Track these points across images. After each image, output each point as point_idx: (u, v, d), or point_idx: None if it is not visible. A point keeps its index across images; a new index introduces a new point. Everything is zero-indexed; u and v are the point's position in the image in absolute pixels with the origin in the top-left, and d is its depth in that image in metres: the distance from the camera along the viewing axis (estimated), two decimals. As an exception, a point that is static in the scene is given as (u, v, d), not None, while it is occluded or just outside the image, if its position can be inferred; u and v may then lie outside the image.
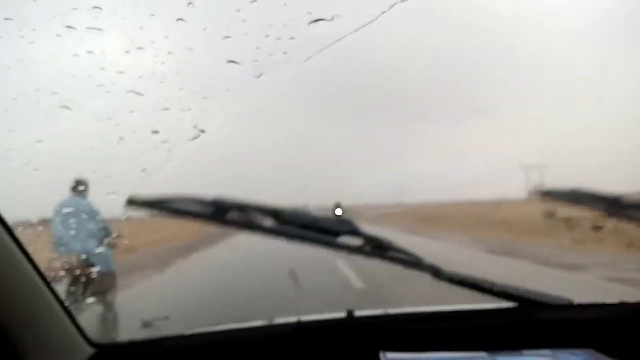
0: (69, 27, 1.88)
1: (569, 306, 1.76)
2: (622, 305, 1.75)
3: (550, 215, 17.88)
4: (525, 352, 1.44)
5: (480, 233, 21.36)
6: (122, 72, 2.07)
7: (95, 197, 2.46)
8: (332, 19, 2.00)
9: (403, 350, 1.44)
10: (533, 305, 1.72)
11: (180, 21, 1.86)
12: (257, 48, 2.00)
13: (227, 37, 1.98)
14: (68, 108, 2.05)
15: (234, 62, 2.00)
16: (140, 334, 1.62)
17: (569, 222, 15.86)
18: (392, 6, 1.78)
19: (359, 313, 1.65)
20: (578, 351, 1.44)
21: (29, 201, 2.49)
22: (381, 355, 1.42)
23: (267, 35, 1.95)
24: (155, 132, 2.18)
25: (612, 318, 1.73)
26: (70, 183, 4.15)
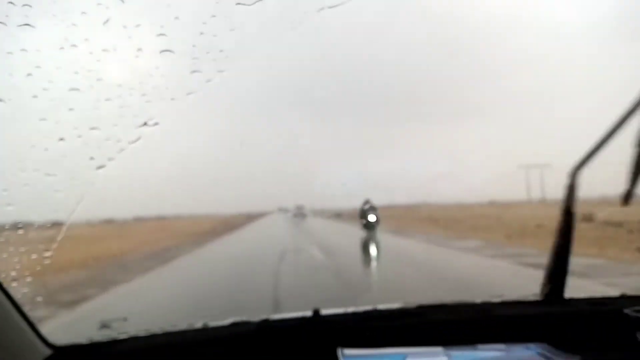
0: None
1: (524, 302, 1.84)
2: (577, 301, 1.82)
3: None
4: (480, 346, 1.48)
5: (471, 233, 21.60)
6: (59, 68, 2.08)
7: (40, 196, 2.42)
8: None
9: (363, 346, 1.48)
10: (489, 302, 1.79)
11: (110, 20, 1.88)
12: (193, 46, 2.04)
13: (162, 34, 2.02)
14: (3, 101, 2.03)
15: (169, 50, 2.02)
16: (98, 336, 1.63)
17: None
18: None
19: (325, 312, 1.69)
20: (532, 345, 1.48)
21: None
22: (339, 351, 1.46)
23: (201, 34, 1.99)
24: (95, 128, 2.20)
25: (566, 312, 1.77)
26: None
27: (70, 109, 2.19)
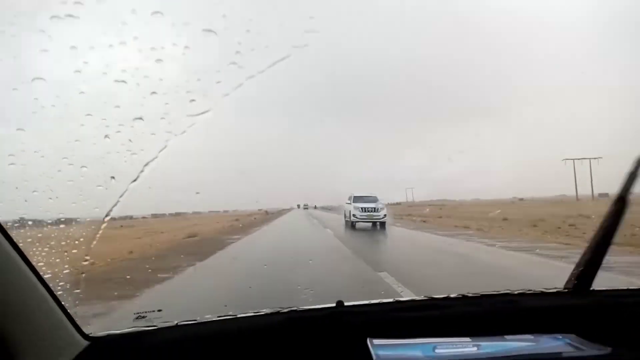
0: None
1: (550, 293, 1.81)
2: (604, 292, 1.78)
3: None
4: (508, 336, 1.47)
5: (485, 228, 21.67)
6: (107, 65, 2.11)
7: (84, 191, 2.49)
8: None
9: (390, 337, 1.48)
10: (515, 292, 1.78)
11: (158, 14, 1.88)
12: (239, 43, 2.04)
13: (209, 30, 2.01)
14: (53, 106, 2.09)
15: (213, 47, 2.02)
16: (134, 327, 1.64)
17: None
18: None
19: (348, 303, 1.69)
20: (559, 335, 1.46)
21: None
22: (368, 341, 1.45)
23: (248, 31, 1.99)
24: (139, 118, 2.23)
25: (593, 304, 1.75)
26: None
27: (117, 106, 2.23)
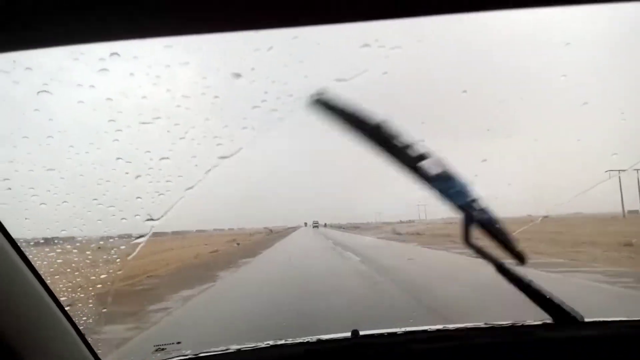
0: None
1: (586, 323, 1.74)
2: (625, 323, 1.75)
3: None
4: None
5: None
6: (139, 121, 2.21)
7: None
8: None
9: None
10: (537, 324, 1.74)
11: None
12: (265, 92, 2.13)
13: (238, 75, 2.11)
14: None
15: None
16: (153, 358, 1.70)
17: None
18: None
19: (363, 332, 1.70)
20: None
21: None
22: None
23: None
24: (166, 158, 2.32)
25: (612, 335, 1.73)
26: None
27: (147, 151, 2.33)
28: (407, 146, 1.40)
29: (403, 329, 1.77)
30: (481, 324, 1.78)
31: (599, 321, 1.73)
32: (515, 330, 1.77)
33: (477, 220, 1.49)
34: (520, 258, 1.54)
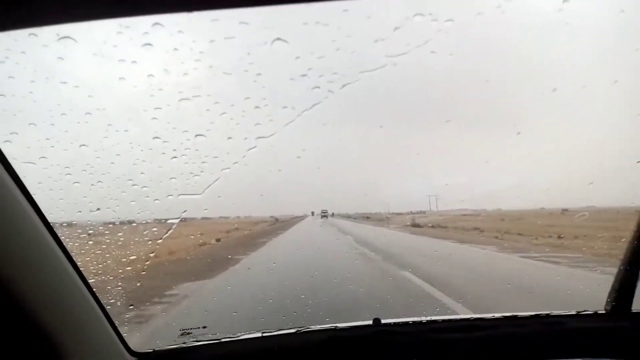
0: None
1: (591, 315, 1.76)
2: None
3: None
4: None
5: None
6: (179, 98, 2.17)
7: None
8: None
9: (431, 358, 1.50)
10: (556, 314, 1.75)
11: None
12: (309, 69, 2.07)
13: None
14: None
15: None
16: (179, 343, 1.69)
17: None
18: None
19: (384, 321, 1.70)
20: None
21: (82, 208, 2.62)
22: None
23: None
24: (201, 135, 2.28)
25: (634, 327, 1.71)
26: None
27: (185, 130, 2.29)
28: None
29: (426, 318, 1.75)
30: (507, 314, 1.77)
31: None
32: (542, 321, 1.75)
33: None
34: None
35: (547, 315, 1.76)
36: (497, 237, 20.31)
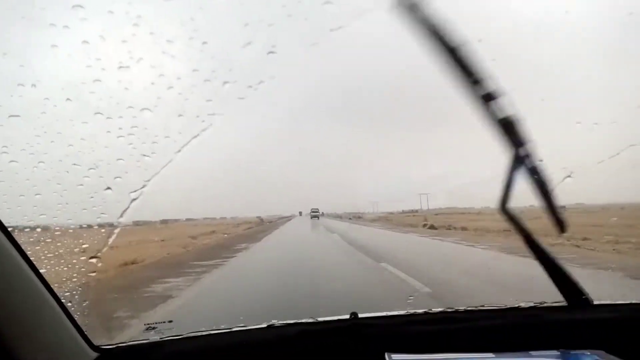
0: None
1: (577, 306, 1.73)
2: (635, 306, 1.74)
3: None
4: (533, 352, 1.42)
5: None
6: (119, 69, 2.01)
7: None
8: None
9: (408, 351, 1.43)
10: (541, 306, 1.74)
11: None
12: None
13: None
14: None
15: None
16: (144, 338, 1.62)
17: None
18: None
19: (362, 315, 1.67)
20: (587, 352, 1.40)
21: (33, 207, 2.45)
22: (387, 356, 1.40)
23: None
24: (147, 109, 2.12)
25: (623, 318, 1.71)
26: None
27: (130, 107, 2.12)
28: (481, 79, 1.39)
29: (403, 311, 1.74)
30: (483, 307, 1.78)
31: (609, 304, 1.75)
32: (519, 313, 1.76)
33: (527, 178, 1.51)
34: (561, 225, 1.56)
35: (527, 307, 1.75)
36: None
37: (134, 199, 2.42)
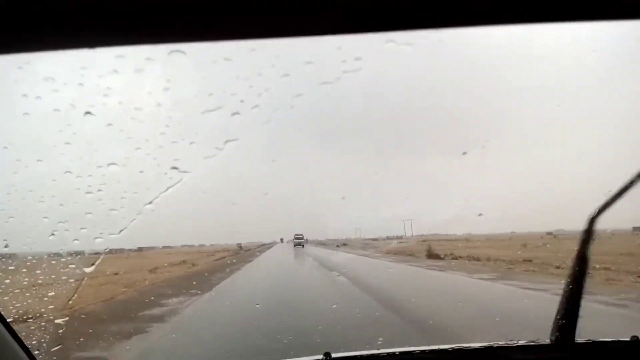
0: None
1: (536, 346, 1.77)
2: (588, 345, 1.76)
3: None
4: None
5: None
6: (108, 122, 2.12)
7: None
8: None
9: None
10: (502, 345, 1.75)
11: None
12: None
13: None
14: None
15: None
16: None
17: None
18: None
19: (335, 355, 1.65)
20: None
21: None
22: None
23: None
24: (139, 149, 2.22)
25: (577, 358, 1.74)
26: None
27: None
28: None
29: (376, 351, 1.71)
30: (455, 346, 1.77)
31: (591, 342, 1.75)
32: (489, 353, 1.76)
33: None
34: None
35: (493, 347, 1.76)
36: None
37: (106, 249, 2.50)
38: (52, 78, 1.82)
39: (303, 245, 45.65)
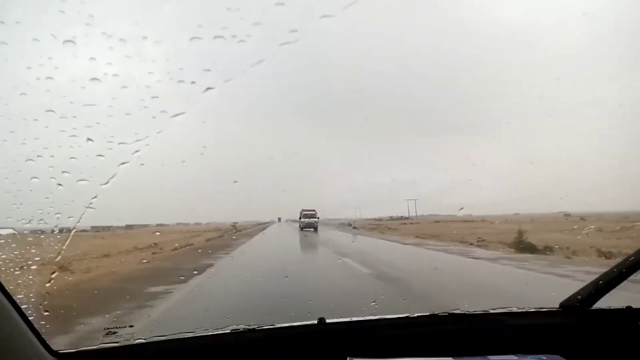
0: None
1: (538, 312, 1.78)
2: (590, 311, 1.76)
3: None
4: (492, 357, 1.45)
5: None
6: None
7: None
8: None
9: (371, 355, 1.46)
10: (502, 311, 1.77)
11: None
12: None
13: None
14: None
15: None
16: (104, 343, 1.60)
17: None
18: None
19: (329, 320, 1.66)
20: (544, 356, 1.44)
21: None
22: None
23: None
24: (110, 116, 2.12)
25: (581, 324, 1.74)
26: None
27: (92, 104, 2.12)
28: None
29: (371, 317, 1.75)
30: (449, 312, 1.77)
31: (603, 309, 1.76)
32: (481, 318, 1.78)
33: None
34: None
35: (493, 313, 1.77)
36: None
37: (90, 205, 2.41)
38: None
39: (315, 229, 31.66)
